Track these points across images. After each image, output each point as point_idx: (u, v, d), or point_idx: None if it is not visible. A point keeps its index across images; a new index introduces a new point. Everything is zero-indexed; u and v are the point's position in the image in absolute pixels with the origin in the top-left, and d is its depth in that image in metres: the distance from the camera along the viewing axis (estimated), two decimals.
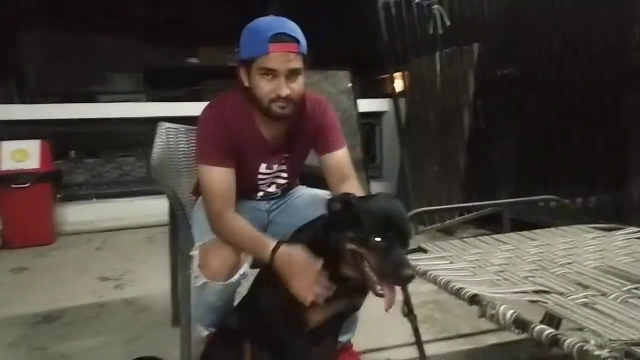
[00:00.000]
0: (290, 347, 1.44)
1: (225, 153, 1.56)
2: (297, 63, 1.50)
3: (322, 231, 1.36)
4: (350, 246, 1.25)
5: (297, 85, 1.53)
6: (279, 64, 1.47)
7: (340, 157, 1.71)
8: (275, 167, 1.73)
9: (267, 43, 1.45)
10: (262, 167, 1.70)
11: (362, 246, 1.23)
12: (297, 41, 1.49)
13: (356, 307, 1.52)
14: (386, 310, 1.25)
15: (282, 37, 1.46)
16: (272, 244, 1.40)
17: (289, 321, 1.41)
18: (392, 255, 1.20)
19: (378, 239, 1.21)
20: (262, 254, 1.41)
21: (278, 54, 1.46)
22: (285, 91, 1.49)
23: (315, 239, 1.38)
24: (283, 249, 1.38)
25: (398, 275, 1.19)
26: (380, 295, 1.24)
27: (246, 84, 1.55)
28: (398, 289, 1.30)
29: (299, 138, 1.70)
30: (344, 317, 1.57)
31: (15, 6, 8.12)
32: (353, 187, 1.62)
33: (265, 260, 1.40)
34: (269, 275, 1.45)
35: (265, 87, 1.50)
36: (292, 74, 1.50)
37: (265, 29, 1.47)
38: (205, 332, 1.71)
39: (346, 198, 1.32)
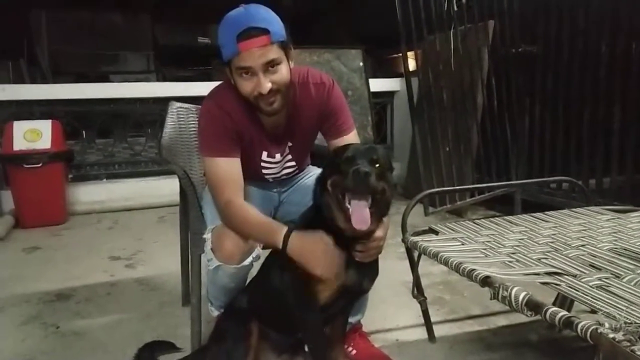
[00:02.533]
0: (304, 324, 1.45)
1: (229, 143, 1.55)
2: (272, 54, 1.43)
3: (315, 197, 1.44)
4: (327, 183, 1.35)
5: (279, 75, 1.47)
6: (252, 61, 1.42)
7: (350, 141, 1.65)
8: (279, 156, 1.70)
9: (236, 42, 1.40)
10: (264, 155, 1.67)
11: (331, 175, 1.35)
12: (267, 31, 1.41)
13: (365, 289, 1.51)
14: (356, 229, 1.29)
15: (249, 33, 1.39)
16: (283, 231, 1.38)
17: (301, 299, 1.41)
18: (353, 167, 1.27)
19: (343, 161, 1.32)
20: (274, 242, 1.39)
21: (249, 51, 1.41)
22: (265, 87, 1.45)
23: (314, 212, 1.44)
24: (294, 235, 1.37)
25: (354, 177, 1.25)
26: (349, 223, 1.29)
27: (233, 82, 1.53)
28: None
29: (301, 125, 1.66)
30: (354, 298, 1.56)
31: None
32: None
33: (277, 248, 1.39)
34: (279, 256, 1.44)
35: (246, 86, 1.47)
36: (269, 66, 1.44)
37: (231, 26, 1.42)
38: (216, 313, 1.72)
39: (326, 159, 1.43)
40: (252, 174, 1.67)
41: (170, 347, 1.85)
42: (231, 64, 1.47)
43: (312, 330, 1.46)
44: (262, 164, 1.70)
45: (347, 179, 1.27)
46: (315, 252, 1.34)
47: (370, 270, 1.47)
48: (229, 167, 1.53)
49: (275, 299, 1.49)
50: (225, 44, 1.44)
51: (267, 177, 1.76)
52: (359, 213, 1.29)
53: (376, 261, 1.49)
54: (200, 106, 2.14)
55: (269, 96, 1.47)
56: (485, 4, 3.76)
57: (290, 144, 1.70)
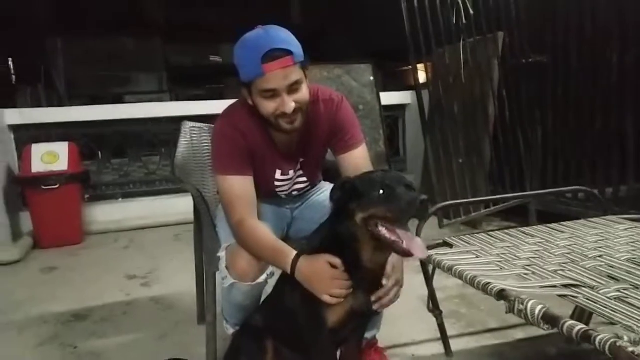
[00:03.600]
0: (314, 346, 1.44)
1: (242, 162, 1.56)
2: (295, 75, 1.45)
3: (332, 223, 1.40)
4: (359, 215, 1.28)
5: (301, 95, 1.48)
6: (277, 83, 1.43)
7: (358, 156, 1.66)
8: (292, 172, 1.71)
9: (260, 64, 1.40)
10: (278, 174, 1.68)
11: (368, 208, 1.26)
12: (291, 52, 1.42)
13: (376, 311, 1.48)
14: (421, 259, 1.35)
15: (274, 54, 1.40)
16: (292, 255, 1.39)
17: (310, 320, 1.41)
18: (397, 195, 1.22)
19: (379, 192, 1.25)
20: (283, 266, 1.41)
21: (274, 73, 1.41)
22: (289, 107, 1.45)
23: (328, 234, 1.41)
24: (302, 260, 1.38)
25: (410, 205, 1.20)
26: (407, 253, 1.26)
27: (250, 102, 1.53)
28: (420, 245, 1.29)
29: (312, 142, 1.67)
30: (366, 318, 1.56)
31: (42, 13, 8.31)
32: None
33: (286, 271, 1.41)
34: (288, 276, 1.45)
35: (268, 107, 1.47)
36: (292, 86, 1.45)
37: (254, 48, 1.42)
38: (231, 330, 1.72)
39: (344, 181, 1.37)
40: (265, 192, 1.68)
41: None
42: (252, 86, 1.47)
43: (321, 352, 1.44)
44: (276, 183, 1.71)
45: (393, 207, 1.22)
46: (323, 277, 1.34)
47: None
48: (242, 186, 1.54)
49: (288, 318, 1.48)
50: (247, 65, 1.45)
51: (279, 193, 1.76)
52: (416, 243, 1.26)
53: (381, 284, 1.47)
54: (212, 125, 2.19)
55: (292, 115, 1.48)
56: (493, 15, 3.77)
57: (302, 159, 1.71)
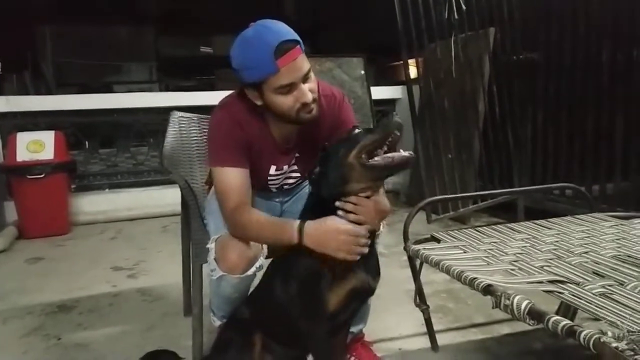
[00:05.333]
0: (311, 335, 1.43)
1: (239, 154, 1.52)
2: (306, 63, 1.42)
3: (317, 195, 1.44)
4: (351, 154, 1.33)
5: (313, 83, 1.47)
6: (293, 76, 1.39)
7: None
8: (286, 167, 1.69)
9: (274, 61, 1.35)
10: (272, 169, 1.66)
11: (357, 143, 1.34)
12: (297, 42, 1.40)
13: (371, 290, 1.48)
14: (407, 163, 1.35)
15: (284, 47, 1.36)
16: (295, 224, 1.38)
17: (310, 307, 1.40)
18: (376, 125, 1.36)
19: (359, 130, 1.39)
20: (289, 237, 1.37)
21: (288, 66, 1.37)
22: (309, 97, 1.43)
23: (317, 204, 1.43)
24: (308, 225, 1.36)
25: (391, 123, 1.33)
26: (404, 163, 1.34)
27: (258, 102, 1.49)
28: None
29: (312, 137, 1.64)
30: (362, 300, 1.55)
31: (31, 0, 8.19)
32: None
33: (293, 242, 1.37)
34: (279, 268, 1.45)
35: (287, 102, 1.43)
36: (306, 75, 1.43)
37: (262, 46, 1.36)
38: (218, 323, 1.71)
39: (323, 147, 1.45)
40: (256, 185, 1.66)
41: (172, 356, 1.84)
42: (264, 85, 1.42)
43: (319, 342, 1.44)
44: (269, 177, 1.69)
45: (382, 129, 1.34)
46: (334, 235, 1.33)
47: (373, 269, 1.46)
48: (238, 177, 1.51)
49: (277, 311, 1.48)
50: (256, 66, 1.38)
51: (270, 187, 1.75)
52: (402, 152, 1.34)
53: (377, 260, 1.50)
54: (202, 115, 2.17)
55: (311, 103, 1.46)
56: (485, 11, 3.77)
57: (297, 155, 1.69)
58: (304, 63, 1.41)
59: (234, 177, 1.51)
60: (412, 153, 1.35)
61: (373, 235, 1.43)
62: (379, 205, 1.41)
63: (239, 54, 1.42)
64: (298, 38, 1.41)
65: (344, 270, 1.37)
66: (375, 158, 1.33)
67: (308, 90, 1.43)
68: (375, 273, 1.48)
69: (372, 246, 1.45)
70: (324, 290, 1.36)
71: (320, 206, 1.40)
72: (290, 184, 1.79)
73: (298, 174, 1.76)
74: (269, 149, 1.61)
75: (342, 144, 1.38)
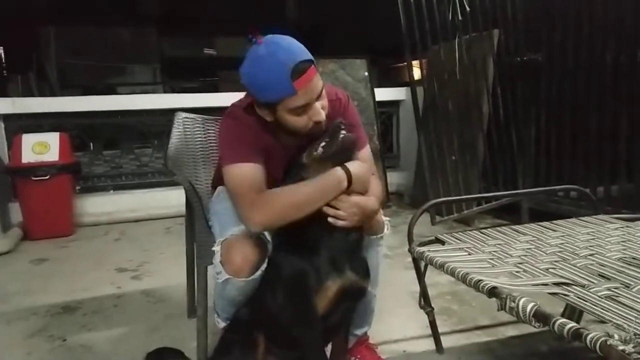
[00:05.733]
0: (303, 342, 1.44)
1: (254, 152, 1.50)
2: (320, 82, 1.42)
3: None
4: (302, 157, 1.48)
5: (325, 99, 1.46)
6: (309, 97, 1.39)
7: (361, 157, 1.63)
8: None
9: (291, 83, 1.33)
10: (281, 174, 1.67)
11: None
12: (312, 62, 1.39)
13: (361, 289, 1.50)
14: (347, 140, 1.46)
15: (301, 68, 1.34)
16: (338, 170, 1.43)
17: (298, 312, 1.41)
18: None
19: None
20: (338, 183, 1.42)
21: (305, 88, 1.36)
22: (322, 115, 1.43)
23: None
24: (353, 168, 1.45)
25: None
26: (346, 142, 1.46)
27: (269, 119, 1.47)
28: None
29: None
30: (354, 302, 1.55)
31: (35, 1, 8.23)
32: (373, 185, 1.58)
33: (343, 187, 1.42)
34: (268, 276, 1.47)
35: (300, 122, 1.43)
36: (320, 94, 1.43)
37: (279, 67, 1.34)
38: (222, 324, 1.71)
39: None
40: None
41: (178, 354, 1.84)
42: (279, 105, 1.40)
43: (311, 349, 1.44)
44: (278, 184, 1.69)
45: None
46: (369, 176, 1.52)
47: (361, 269, 1.49)
48: (258, 170, 1.48)
49: (272, 316, 1.48)
50: (273, 87, 1.36)
51: None
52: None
53: (365, 261, 1.53)
54: (206, 116, 2.18)
55: (322, 121, 1.45)
56: (489, 12, 3.77)
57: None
58: (318, 82, 1.41)
59: (250, 172, 1.47)
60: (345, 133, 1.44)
61: (361, 238, 1.46)
62: (360, 204, 1.44)
63: (253, 73, 1.39)
64: (311, 57, 1.40)
65: (330, 270, 1.40)
66: (319, 149, 1.44)
67: (321, 109, 1.43)
68: (364, 273, 1.50)
69: (358, 247, 1.50)
70: (311, 292, 1.37)
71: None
72: None
73: None
74: (279, 156, 1.59)
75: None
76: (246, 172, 1.47)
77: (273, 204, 1.42)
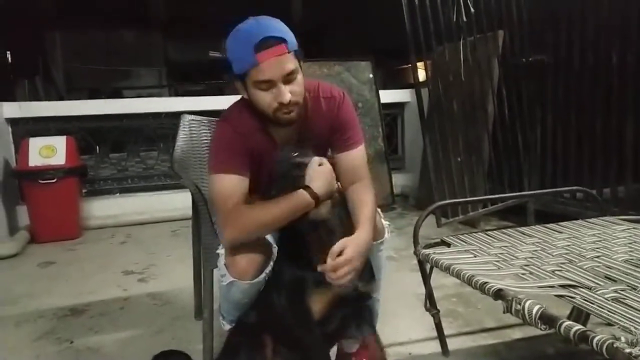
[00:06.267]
0: (305, 345, 1.45)
1: (240, 162, 1.52)
2: (290, 64, 1.42)
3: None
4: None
5: (297, 86, 1.46)
6: (272, 73, 1.40)
7: (355, 157, 1.62)
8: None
9: (254, 54, 1.36)
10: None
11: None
12: (284, 40, 1.39)
13: (362, 292, 1.50)
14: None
15: (266, 43, 1.37)
16: (302, 191, 1.43)
17: (297, 316, 1.42)
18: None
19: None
20: (304, 204, 1.43)
21: (268, 62, 1.38)
22: (286, 97, 1.43)
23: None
24: (310, 181, 1.45)
25: None
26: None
27: (245, 96, 1.52)
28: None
29: (313, 139, 1.63)
30: (353, 306, 1.55)
31: (41, 5, 8.28)
32: (365, 188, 1.58)
33: (312, 206, 1.44)
34: (273, 278, 1.48)
35: (265, 98, 1.45)
36: (288, 76, 1.42)
37: (246, 38, 1.39)
38: (228, 327, 1.72)
39: None
40: (259, 190, 1.67)
41: (184, 357, 1.84)
42: (247, 78, 1.44)
43: (314, 351, 1.45)
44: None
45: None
46: (327, 175, 1.48)
47: (365, 271, 1.47)
48: (238, 182, 1.50)
49: (279, 317, 1.49)
50: (240, 57, 1.41)
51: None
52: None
53: (367, 262, 1.50)
54: (212, 118, 2.19)
55: (288, 106, 1.45)
56: (494, 13, 3.76)
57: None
58: (287, 63, 1.41)
59: (233, 182, 1.50)
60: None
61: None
62: (354, 256, 1.39)
63: (229, 44, 1.44)
64: (287, 37, 1.41)
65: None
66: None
67: (287, 92, 1.43)
68: (368, 277, 1.50)
69: None
70: (307, 298, 1.39)
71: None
72: None
73: None
74: (271, 154, 1.59)
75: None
76: (226, 184, 1.50)
77: (242, 221, 1.45)
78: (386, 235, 1.68)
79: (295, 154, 1.48)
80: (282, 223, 1.46)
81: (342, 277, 1.35)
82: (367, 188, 1.59)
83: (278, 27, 1.42)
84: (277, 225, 1.47)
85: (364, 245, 1.42)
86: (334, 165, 1.59)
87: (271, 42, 1.38)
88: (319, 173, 1.46)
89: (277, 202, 1.45)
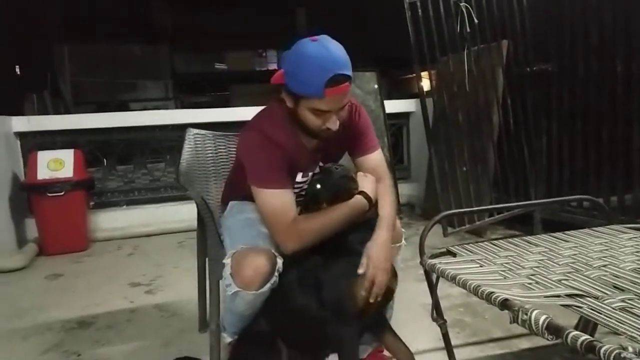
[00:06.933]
0: (340, 338, 1.48)
1: (283, 174, 1.58)
2: (348, 97, 1.51)
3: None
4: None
5: (345, 112, 1.55)
6: (333, 106, 1.48)
7: (374, 159, 1.74)
8: (310, 174, 1.73)
9: (324, 88, 1.41)
10: (299, 177, 1.70)
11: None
12: (350, 78, 1.46)
13: (390, 290, 1.59)
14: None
15: (337, 80, 1.42)
16: (359, 197, 1.56)
17: (340, 306, 1.48)
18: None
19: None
20: (361, 208, 1.55)
21: (333, 97, 1.45)
22: (336, 126, 1.52)
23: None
24: (363, 186, 1.58)
25: None
26: None
27: (290, 105, 1.55)
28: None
29: (335, 144, 1.71)
30: (383, 301, 1.60)
31: (49, 20, 8.39)
32: (385, 190, 1.67)
33: (367, 208, 1.56)
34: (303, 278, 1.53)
35: (315, 122, 1.52)
36: (343, 107, 1.52)
37: (319, 70, 1.41)
38: (229, 339, 1.71)
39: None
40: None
41: None
42: (304, 99, 1.48)
43: (347, 344, 1.48)
44: (296, 185, 1.72)
45: None
46: (374, 182, 1.63)
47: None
48: (287, 198, 1.57)
49: (300, 318, 1.50)
50: (307, 84, 1.44)
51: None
52: None
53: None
54: (217, 132, 2.21)
55: (334, 131, 1.55)
56: (498, 23, 3.78)
57: (321, 163, 1.74)
58: (347, 97, 1.50)
59: (283, 199, 1.56)
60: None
61: None
62: (378, 275, 1.53)
63: (296, 65, 1.46)
64: (351, 73, 1.47)
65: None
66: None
67: (337, 120, 1.52)
68: (392, 273, 1.58)
69: None
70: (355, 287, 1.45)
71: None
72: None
73: None
74: (302, 159, 1.66)
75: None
76: (280, 199, 1.55)
77: (305, 233, 1.53)
78: (402, 241, 1.72)
79: (337, 167, 1.61)
80: (343, 227, 1.55)
81: (379, 287, 1.51)
82: (387, 190, 1.69)
83: (346, 60, 1.47)
84: (338, 229, 1.56)
85: (383, 245, 1.54)
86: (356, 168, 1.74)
87: (341, 79, 1.43)
88: (368, 181, 1.59)
89: (336, 209, 1.54)
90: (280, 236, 1.55)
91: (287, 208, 1.55)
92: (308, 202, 1.61)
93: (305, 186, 1.75)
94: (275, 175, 1.56)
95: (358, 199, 1.55)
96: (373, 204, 1.58)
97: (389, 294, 1.57)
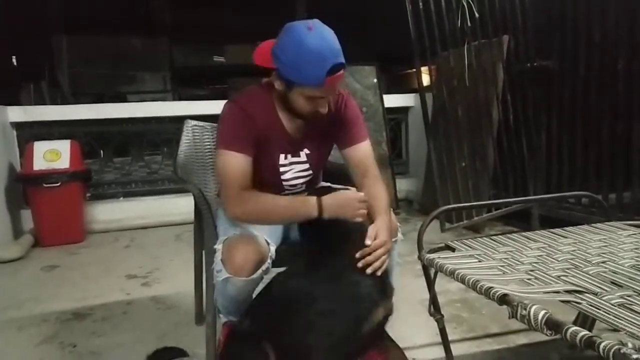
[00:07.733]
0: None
1: (246, 141, 1.57)
2: (341, 83, 1.53)
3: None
4: None
5: (335, 96, 1.60)
6: (328, 93, 1.52)
7: (362, 150, 1.72)
8: (296, 159, 1.73)
9: (323, 78, 1.44)
10: (282, 158, 1.70)
11: None
12: (345, 66, 1.48)
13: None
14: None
15: (335, 69, 1.44)
16: (312, 198, 1.52)
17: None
18: None
19: None
20: (308, 210, 1.50)
21: (330, 86, 1.48)
22: (326, 109, 1.55)
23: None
24: (326, 198, 1.52)
25: None
26: None
27: (279, 88, 1.56)
28: None
29: (320, 133, 1.71)
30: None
31: (47, 10, 8.34)
32: (376, 180, 1.68)
33: (313, 215, 1.51)
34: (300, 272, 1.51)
35: (306, 107, 1.54)
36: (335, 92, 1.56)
37: (319, 60, 1.42)
38: (224, 319, 1.72)
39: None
40: (271, 179, 1.69)
41: (179, 352, 1.84)
42: (298, 86, 1.50)
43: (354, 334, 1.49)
44: (281, 168, 1.72)
45: None
46: (350, 202, 1.53)
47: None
48: (243, 162, 1.56)
49: (290, 317, 1.48)
50: (306, 74, 1.46)
51: (284, 184, 1.75)
52: None
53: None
54: (215, 124, 2.18)
55: (323, 113, 1.57)
56: (499, 19, 3.76)
57: (307, 151, 1.74)
58: (340, 84, 1.54)
59: (238, 162, 1.56)
60: None
61: None
62: (383, 236, 1.56)
63: (297, 55, 1.44)
64: (344, 59, 1.48)
65: None
66: None
67: (326, 103, 1.55)
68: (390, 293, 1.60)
69: None
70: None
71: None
72: (304, 182, 1.79)
73: (310, 171, 1.78)
74: (278, 137, 1.66)
75: None
76: (238, 163, 1.56)
77: (250, 205, 1.53)
78: (399, 235, 1.72)
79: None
80: (283, 221, 1.58)
81: (380, 258, 1.49)
82: (377, 180, 1.69)
83: (339, 47, 1.48)
84: (277, 220, 1.58)
85: (388, 228, 1.56)
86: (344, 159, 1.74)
87: (339, 68, 1.46)
88: (338, 194, 1.55)
89: (285, 199, 1.56)
90: (227, 199, 1.55)
91: (240, 173, 1.54)
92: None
93: (291, 173, 1.75)
94: (239, 141, 1.56)
95: (309, 201, 1.53)
96: (322, 216, 1.53)
97: (387, 313, 1.57)
